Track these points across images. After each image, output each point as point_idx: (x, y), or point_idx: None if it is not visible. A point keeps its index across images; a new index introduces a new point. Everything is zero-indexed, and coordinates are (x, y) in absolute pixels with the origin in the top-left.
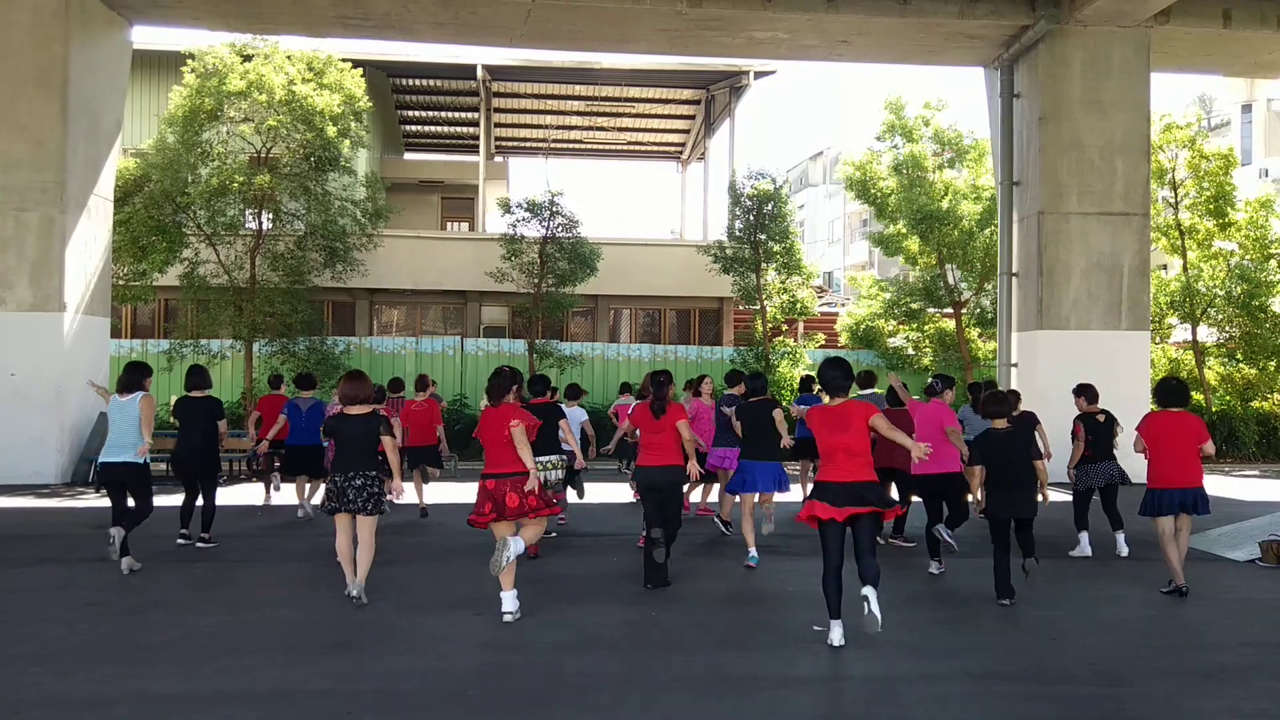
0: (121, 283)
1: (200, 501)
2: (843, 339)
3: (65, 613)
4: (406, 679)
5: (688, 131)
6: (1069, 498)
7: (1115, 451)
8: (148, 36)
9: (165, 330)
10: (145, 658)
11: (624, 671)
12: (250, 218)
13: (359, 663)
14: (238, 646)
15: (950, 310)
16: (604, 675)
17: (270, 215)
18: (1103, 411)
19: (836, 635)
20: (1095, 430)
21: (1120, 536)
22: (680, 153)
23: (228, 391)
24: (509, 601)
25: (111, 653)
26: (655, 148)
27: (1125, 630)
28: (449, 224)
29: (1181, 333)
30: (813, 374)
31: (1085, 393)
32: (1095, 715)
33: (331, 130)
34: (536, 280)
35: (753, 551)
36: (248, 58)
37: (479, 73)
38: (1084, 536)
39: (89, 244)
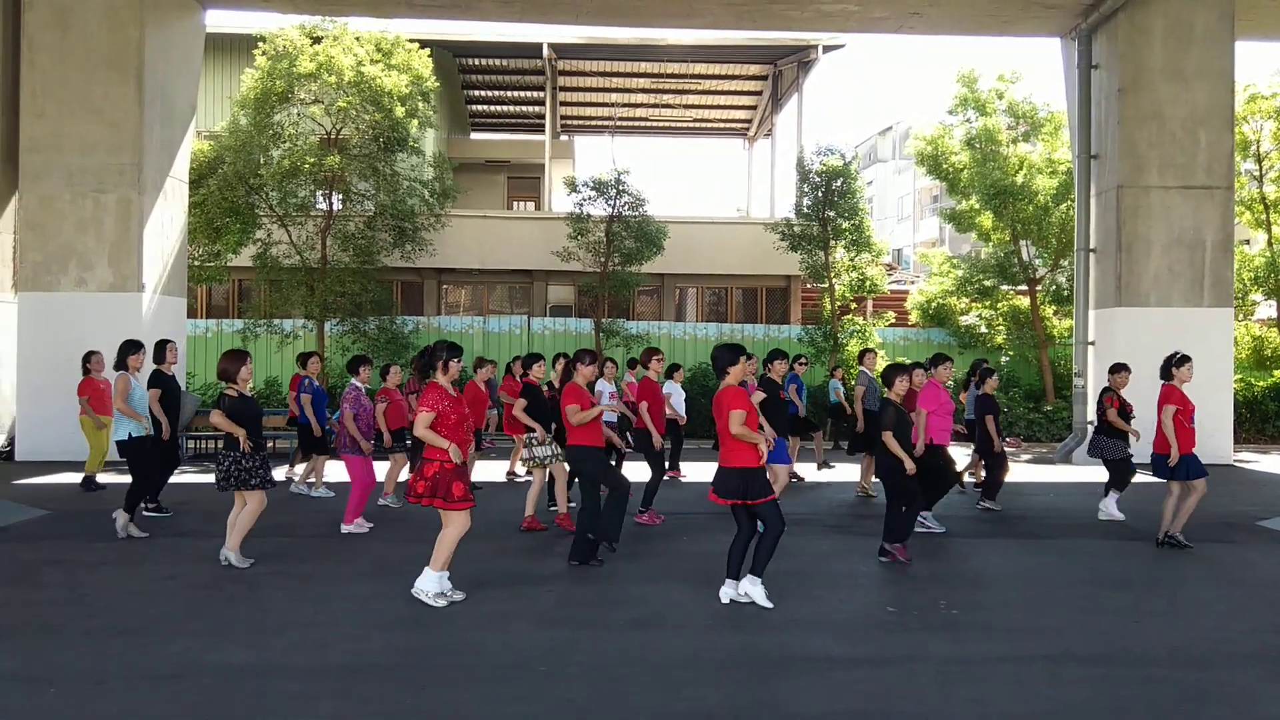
0: (197, 263)
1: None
2: (913, 317)
3: (143, 586)
4: (476, 653)
5: (754, 108)
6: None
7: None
8: (220, 20)
9: (239, 310)
10: (222, 631)
11: (694, 649)
12: (321, 198)
13: (428, 638)
14: (311, 620)
15: (1024, 287)
16: (674, 652)
17: (340, 196)
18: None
19: None
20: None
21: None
22: (747, 129)
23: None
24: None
25: (189, 625)
26: (721, 124)
27: (1207, 613)
28: (515, 203)
29: (1266, 309)
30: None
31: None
32: (1176, 700)
33: (400, 111)
34: (603, 259)
35: None
36: (317, 40)
37: (544, 51)
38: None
39: (165, 225)
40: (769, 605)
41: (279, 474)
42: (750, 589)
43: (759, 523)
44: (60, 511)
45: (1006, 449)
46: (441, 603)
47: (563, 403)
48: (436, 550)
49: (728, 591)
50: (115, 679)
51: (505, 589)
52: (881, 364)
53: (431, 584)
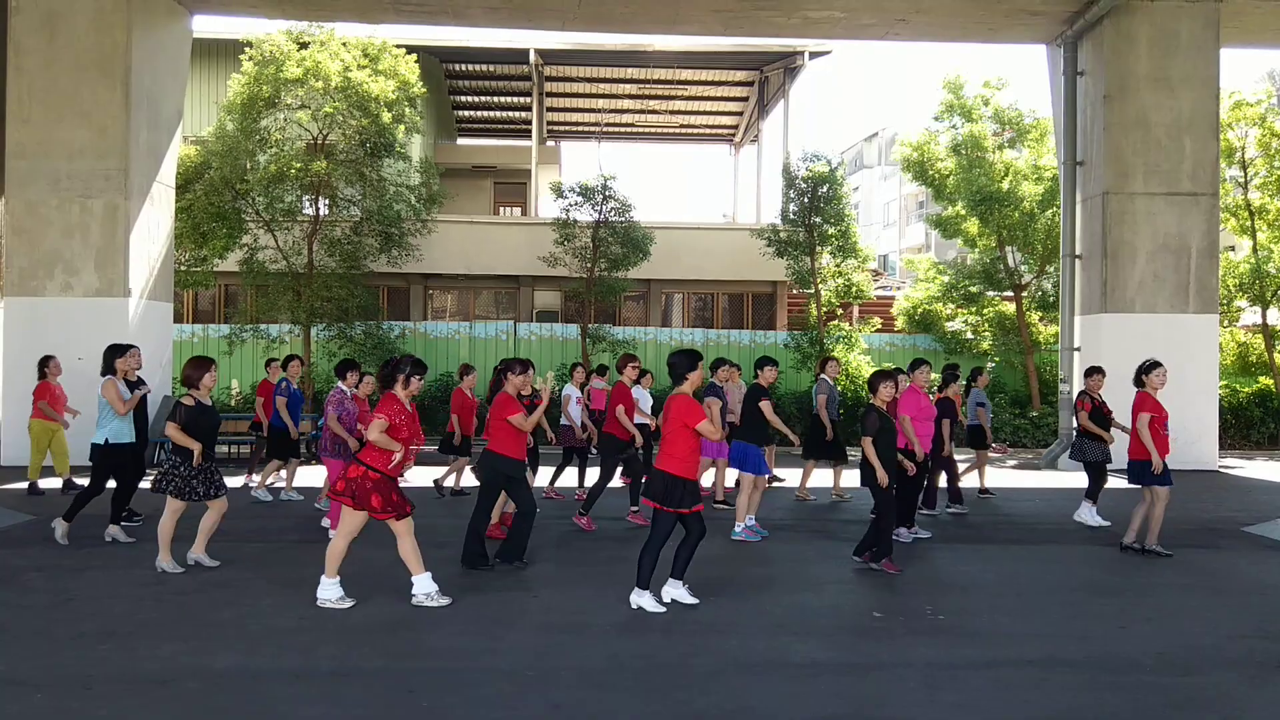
0: (183, 268)
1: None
2: (899, 323)
3: (130, 590)
4: (463, 658)
5: (741, 114)
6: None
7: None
8: (207, 25)
9: (226, 315)
10: (208, 635)
11: (680, 653)
12: (307, 204)
13: (414, 642)
14: (297, 626)
15: (1010, 293)
16: (661, 658)
17: (327, 201)
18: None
19: None
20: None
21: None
22: (733, 135)
23: None
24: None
25: (176, 630)
26: (708, 130)
27: (1193, 619)
28: (502, 209)
29: (1251, 316)
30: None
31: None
32: (1163, 705)
33: (386, 116)
34: (589, 264)
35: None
36: (304, 45)
37: (531, 57)
38: (1090, 507)
39: (152, 230)
40: (661, 609)
41: (235, 481)
42: (637, 597)
43: (685, 526)
44: (45, 517)
45: (993, 454)
46: (347, 603)
47: (494, 413)
48: (327, 558)
49: (668, 591)
50: (103, 683)
51: (490, 594)
52: (854, 368)
53: (331, 592)
